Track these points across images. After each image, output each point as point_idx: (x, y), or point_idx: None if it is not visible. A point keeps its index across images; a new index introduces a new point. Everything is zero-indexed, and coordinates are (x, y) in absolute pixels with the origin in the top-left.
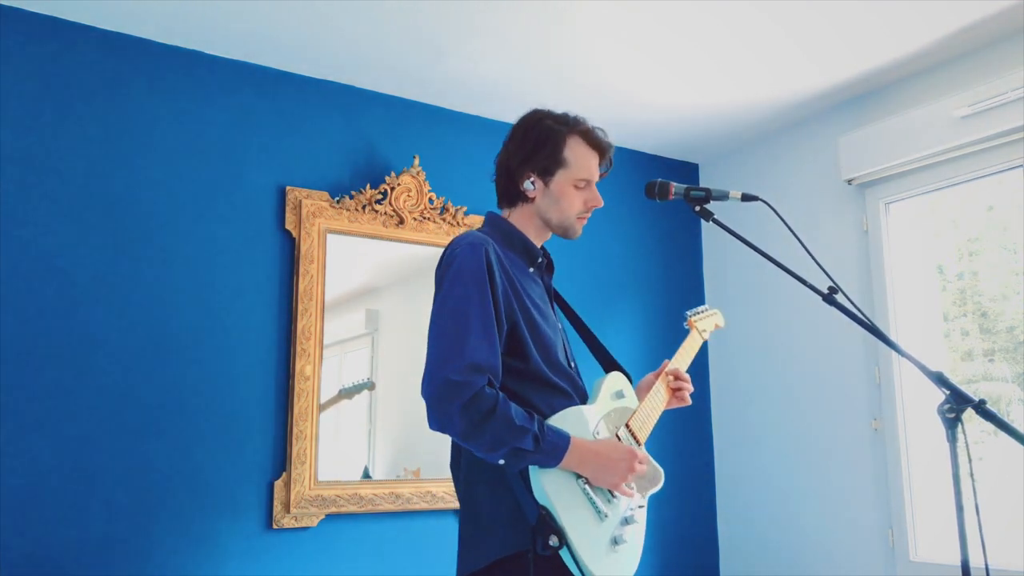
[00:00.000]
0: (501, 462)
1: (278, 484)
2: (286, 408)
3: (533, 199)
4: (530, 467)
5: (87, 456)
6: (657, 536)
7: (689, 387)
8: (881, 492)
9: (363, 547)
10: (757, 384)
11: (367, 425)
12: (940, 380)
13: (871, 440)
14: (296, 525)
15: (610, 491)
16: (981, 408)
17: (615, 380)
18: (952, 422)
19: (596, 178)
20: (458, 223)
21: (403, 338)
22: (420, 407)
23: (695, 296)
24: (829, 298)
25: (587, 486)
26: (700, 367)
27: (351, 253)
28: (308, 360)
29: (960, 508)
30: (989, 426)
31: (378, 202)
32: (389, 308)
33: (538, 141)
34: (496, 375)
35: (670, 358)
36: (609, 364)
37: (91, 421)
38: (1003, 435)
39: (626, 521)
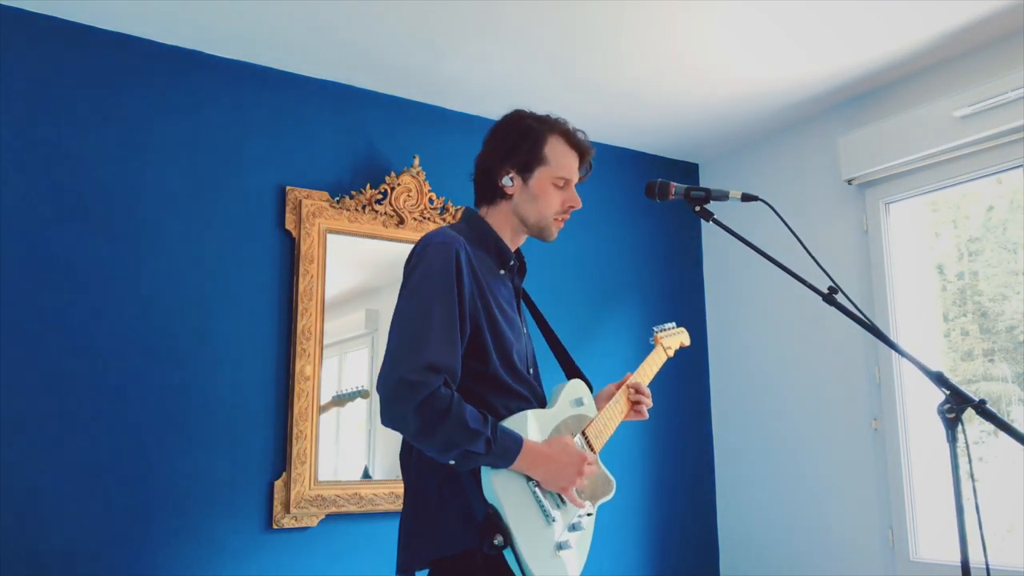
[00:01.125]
0: (452, 462)
1: (278, 484)
2: (286, 408)
3: (511, 196)
4: (482, 467)
5: (87, 456)
6: (657, 536)
7: (648, 402)
8: (881, 492)
9: (363, 547)
10: (757, 384)
11: (367, 425)
12: (940, 380)
13: (871, 440)
14: (296, 525)
15: (560, 496)
16: (981, 408)
17: (575, 387)
18: (952, 422)
19: (575, 179)
20: None
21: None
22: None
23: (695, 297)
24: (829, 298)
25: (537, 489)
26: (700, 367)
27: (351, 253)
28: (308, 360)
29: (960, 508)
30: (989, 426)
31: (378, 202)
32: (389, 308)
33: (518, 138)
34: (454, 376)
35: (633, 370)
36: (571, 371)
37: (91, 421)
38: (1003, 435)
39: (573, 527)
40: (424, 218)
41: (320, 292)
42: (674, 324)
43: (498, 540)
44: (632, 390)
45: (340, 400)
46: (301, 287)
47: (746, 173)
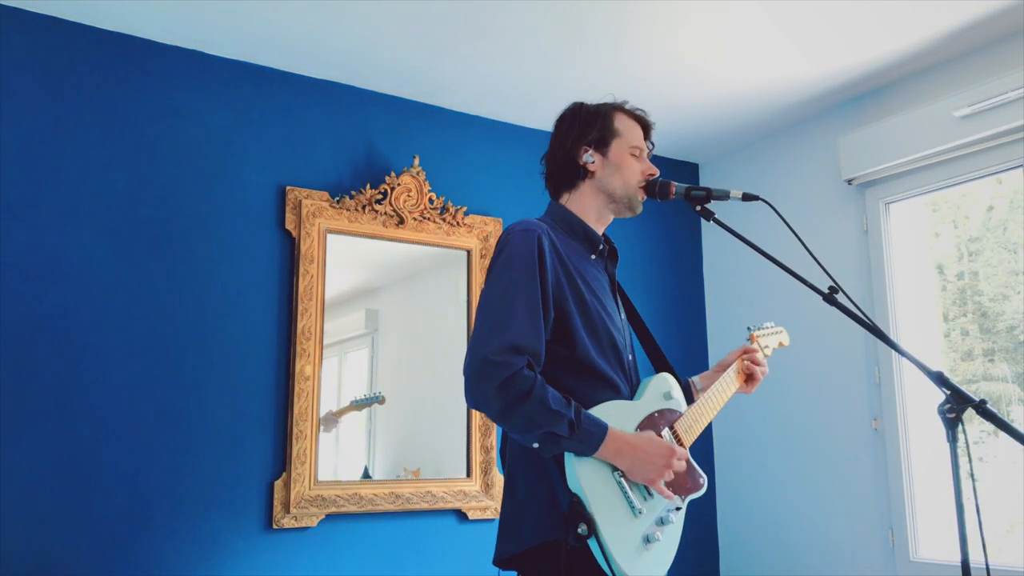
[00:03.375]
0: (536, 445)
1: (278, 484)
2: (286, 408)
3: (594, 173)
4: (565, 454)
5: (87, 456)
6: None
7: (764, 368)
8: (881, 492)
9: (363, 547)
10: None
11: (367, 425)
12: (940, 380)
13: (871, 440)
14: (296, 525)
15: (647, 489)
16: (981, 408)
17: (663, 381)
18: (952, 422)
19: (647, 151)
20: (458, 223)
21: (403, 338)
22: (420, 407)
23: (695, 296)
24: (829, 298)
25: (623, 479)
26: (700, 366)
27: (351, 253)
28: (308, 360)
29: (960, 508)
30: (989, 426)
31: (378, 202)
32: (389, 308)
33: (587, 119)
34: (537, 358)
35: (721, 357)
36: (661, 364)
37: (91, 421)
38: (1003, 435)
39: (661, 522)
40: (424, 218)
41: (320, 292)
42: (772, 323)
43: (582, 529)
44: (747, 361)
45: (359, 405)
46: (301, 287)
47: (746, 173)
